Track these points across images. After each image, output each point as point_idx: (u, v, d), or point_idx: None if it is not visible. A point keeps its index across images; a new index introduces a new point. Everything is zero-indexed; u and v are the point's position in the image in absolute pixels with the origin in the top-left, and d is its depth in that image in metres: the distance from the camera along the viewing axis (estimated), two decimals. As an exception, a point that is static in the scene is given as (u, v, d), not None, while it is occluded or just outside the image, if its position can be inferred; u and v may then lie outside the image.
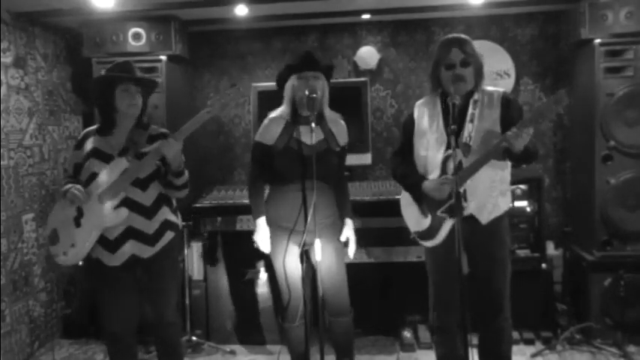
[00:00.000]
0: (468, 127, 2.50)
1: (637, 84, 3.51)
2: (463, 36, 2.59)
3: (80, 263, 2.75)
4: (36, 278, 3.83)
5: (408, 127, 2.73)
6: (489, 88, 2.61)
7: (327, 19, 4.18)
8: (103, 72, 2.75)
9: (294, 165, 2.71)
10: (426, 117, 2.66)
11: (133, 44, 3.78)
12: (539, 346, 3.59)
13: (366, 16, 4.13)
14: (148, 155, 2.57)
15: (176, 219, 2.81)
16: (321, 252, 2.74)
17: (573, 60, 3.98)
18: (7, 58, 3.58)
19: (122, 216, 2.58)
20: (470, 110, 2.52)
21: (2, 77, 3.52)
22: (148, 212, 2.65)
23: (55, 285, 4.03)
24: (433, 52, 2.64)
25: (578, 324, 3.62)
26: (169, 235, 2.73)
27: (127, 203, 2.60)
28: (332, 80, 2.88)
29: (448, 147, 2.55)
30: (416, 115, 2.70)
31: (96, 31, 3.80)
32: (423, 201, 2.65)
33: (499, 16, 4.23)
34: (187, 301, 3.76)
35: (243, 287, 3.83)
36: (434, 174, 2.60)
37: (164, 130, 2.75)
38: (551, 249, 3.97)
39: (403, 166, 2.74)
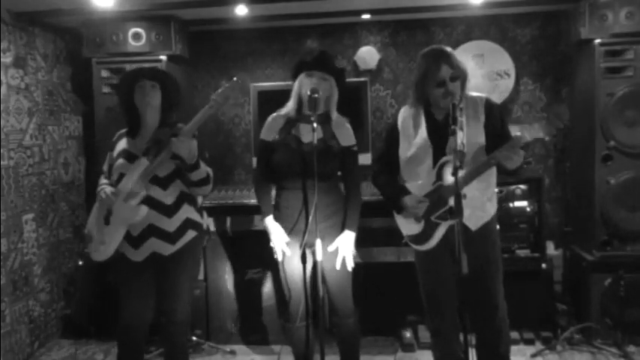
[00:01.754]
0: (460, 135, 2.48)
1: (637, 84, 3.51)
2: (448, 49, 2.58)
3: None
4: (36, 278, 3.83)
5: (392, 135, 2.72)
6: (472, 94, 2.61)
7: (327, 19, 4.18)
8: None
9: (291, 162, 2.71)
10: (411, 125, 2.66)
11: (133, 44, 3.78)
12: (539, 346, 3.59)
13: (366, 16, 4.13)
14: (161, 154, 2.64)
15: (200, 218, 2.86)
16: (323, 252, 2.75)
17: (573, 60, 3.98)
18: (7, 58, 3.58)
19: (142, 214, 2.66)
20: (459, 118, 2.50)
21: (2, 77, 3.52)
22: (169, 210, 2.71)
23: (55, 285, 4.03)
24: (418, 64, 2.60)
25: (578, 324, 3.62)
26: (191, 234, 2.78)
27: (149, 202, 2.67)
28: (344, 83, 2.85)
29: (435, 156, 2.57)
30: (400, 122, 2.70)
31: (96, 31, 3.80)
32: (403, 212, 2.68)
33: (499, 16, 4.23)
34: (187, 301, 3.76)
35: (244, 287, 3.84)
36: (417, 182, 2.62)
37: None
38: (551, 249, 3.97)
39: (384, 175, 2.76)
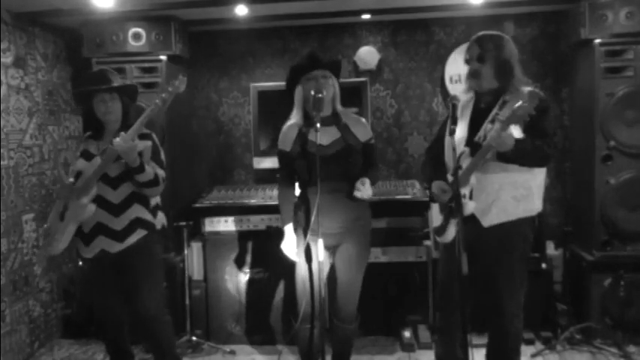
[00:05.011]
0: (486, 127, 2.44)
1: (637, 84, 3.51)
2: (492, 33, 2.55)
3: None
4: (36, 278, 3.83)
5: (442, 127, 2.73)
6: (526, 89, 2.41)
7: (327, 19, 4.18)
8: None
9: (313, 167, 2.67)
10: (459, 114, 2.58)
11: (133, 44, 3.78)
12: (539, 346, 3.59)
13: (366, 16, 4.12)
14: (105, 155, 2.72)
15: (152, 218, 2.91)
16: (338, 256, 2.77)
17: (573, 60, 3.98)
18: (7, 58, 3.58)
19: (90, 212, 2.77)
20: (495, 110, 2.45)
21: (2, 77, 3.52)
22: (116, 209, 2.81)
23: (55, 285, 4.03)
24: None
25: (578, 324, 3.62)
26: (140, 233, 2.85)
27: (98, 200, 2.79)
28: (341, 77, 2.87)
29: (467, 145, 2.51)
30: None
31: (96, 31, 3.80)
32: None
33: (499, 16, 4.22)
34: (187, 301, 3.76)
35: (244, 287, 3.83)
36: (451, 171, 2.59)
37: (147, 130, 2.87)
38: (551, 249, 3.97)
39: (430, 164, 2.75)
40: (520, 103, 2.23)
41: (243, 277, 3.83)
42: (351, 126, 2.81)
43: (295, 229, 2.85)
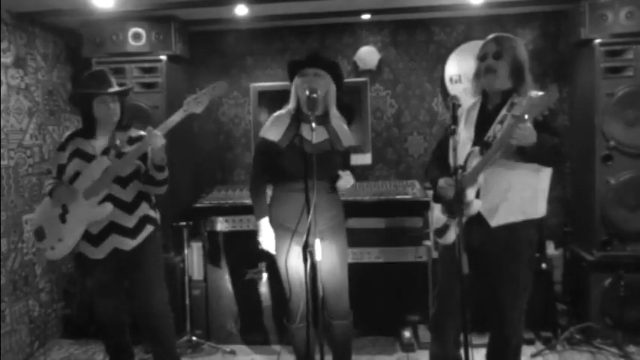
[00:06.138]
0: (495, 128, 2.43)
1: (637, 84, 3.50)
2: (508, 34, 2.57)
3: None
4: (36, 278, 3.83)
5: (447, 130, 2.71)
6: (535, 94, 2.40)
7: (327, 19, 4.18)
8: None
9: (298, 163, 2.70)
10: (464, 116, 2.61)
11: (132, 44, 3.78)
12: (539, 346, 3.59)
13: (366, 16, 4.13)
14: (131, 152, 2.75)
15: (155, 214, 2.99)
16: (322, 253, 2.75)
17: (573, 60, 3.98)
18: (7, 58, 3.58)
19: (107, 210, 2.78)
20: (503, 111, 2.44)
21: (2, 77, 3.52)
22: (129, 207, 2.84)
23: (55, 285, 4.03)
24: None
25: (578, 324, 3.62)
26: (149, 229, 2.91)
27: (109, 199, 2.79)
28: (344, 80, 2.90)
29: (474, 145, 2.50)
30: (459, 114, 2.58)
31: (96, 31, 3.80)
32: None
33: (499, 16, 4.22)
34: (187, 301, 3.76)
35: (243, 287, 3.83)
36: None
37: (144, 132, 2.86)
38: (551, 249, 3.97)
39: (433, 165, 2.74)
40: (539, 95, 2.23)
41: (243, 277, 3.82)
42: (337, 129, 2.85)
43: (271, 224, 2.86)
